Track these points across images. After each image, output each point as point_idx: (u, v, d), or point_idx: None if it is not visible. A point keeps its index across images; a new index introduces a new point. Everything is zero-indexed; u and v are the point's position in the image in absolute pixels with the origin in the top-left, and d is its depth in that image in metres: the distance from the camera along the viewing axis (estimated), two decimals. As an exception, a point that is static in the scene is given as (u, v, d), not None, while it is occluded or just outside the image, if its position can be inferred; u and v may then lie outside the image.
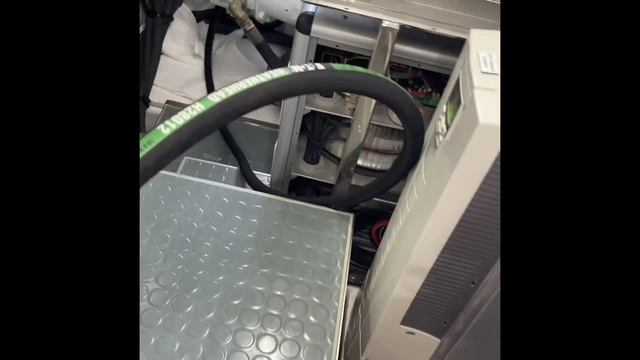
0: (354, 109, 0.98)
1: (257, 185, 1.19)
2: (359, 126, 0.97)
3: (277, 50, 1.77)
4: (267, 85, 0.52)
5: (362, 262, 1.21)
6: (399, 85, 0.64)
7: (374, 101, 0.94)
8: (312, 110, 1.02)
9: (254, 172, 1.30)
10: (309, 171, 1.15)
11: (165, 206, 0.96)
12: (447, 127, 0.66)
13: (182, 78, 1.80)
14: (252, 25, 1.44)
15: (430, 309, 0.79)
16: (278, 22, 1.88)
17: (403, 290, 0.77)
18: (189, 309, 0.82)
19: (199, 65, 1.84)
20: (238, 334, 0.80)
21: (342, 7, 0.85)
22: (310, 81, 0.55)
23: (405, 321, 0.82)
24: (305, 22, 0.90)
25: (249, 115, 1.76)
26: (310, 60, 0.95)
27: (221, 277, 0.87)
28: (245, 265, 0.89)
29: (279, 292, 0.87)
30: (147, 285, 0.84)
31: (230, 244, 0.92)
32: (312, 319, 0.84)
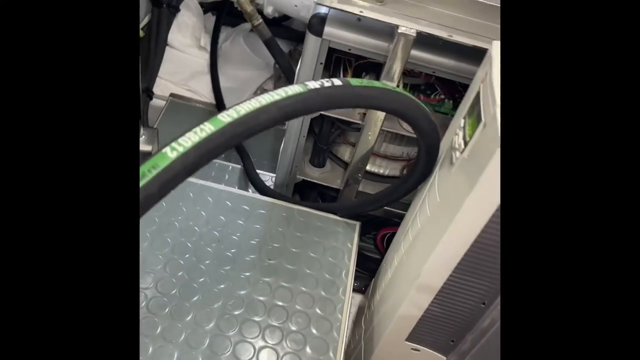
0: (364, 114, 0.95)
1: (260, 187, 1.16)
2: (370, 132, 0.94)
3: (284, 45, 1.73)
4: (280, 103, 0.49)
5: (366, 269, 1.19)
6: (416, 100, 0.62)
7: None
8: (320, 114, 0.99)
9: (258, 171, 1.27)
10: (314, 175, 1.12)
11: (166, 208, 0.93)
12: (465, 143, 0.63)
13: (187, 71, 1.76)
14: (260, 20, 1.41)
15: (438, 327, 0.76)
16: (286, 17, 1.84)
17: (411, 307, 0.74)
18: (189, 318, 0.80)
19: (204, 58, 1.81)
20: (238, 345, 0.78)
21: (356, 11, 0.81)
22: (327, 98, 0.52)
23: (411, 338, 0.79)
24: (317, 23, 0.87)
25: (254, 112, 1.73)
26: (321, 63, 0.92)
27: (222, 285, 0.84)
28: (248, 274, 0.87)
29: (281, 303, 0.84)
30: (146, 292, 0.81)
31: (233, 250, 0.90)
32: (314, 331, 0.82)
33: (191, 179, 1.01)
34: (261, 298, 0.84)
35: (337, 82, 0.53)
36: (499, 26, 0.84)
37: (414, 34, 0.80)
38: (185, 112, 1.68)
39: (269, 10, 1.52)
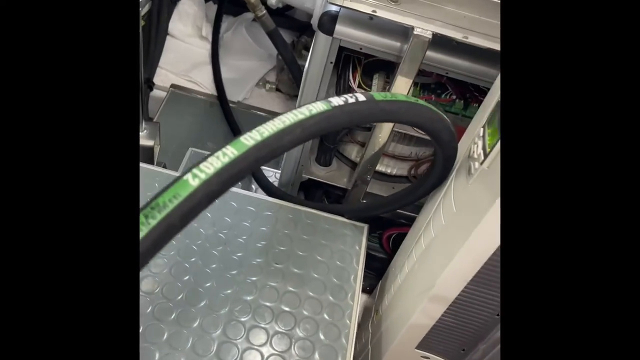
0: (374, 114, 0.93)
1: (265, 186, 1.14)
2: (380, 133, 0.92)
3: (286, 36, 1.70)
4: (305, 123, 0.47)
5: (371, 268, 1.18)
6: (438, 111, 0.59)
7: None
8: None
9: (262, 167, 1.25)
10: (320, 174, 1.10)
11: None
12: (485, 154, 0.61)
13: (188, 61, 1.73)
14: (264, 11, 1.37)
15: (449, 337, 0.75)
16: (288, 6, 1.81)
17: (422, 317, 0.73)
18: (195, 324, 0.78)
19: (205, 48, 1.78)
20: (246, 353, 0.77)
21: (369, 10, 0.79)
22: (351, 114, 0.50)
23: (421, 346, 0.78)
24: (328, 21, 0.84)
25: (256, 104, 1.71)
26: (331, 62, 0.90)
27: (229, 291, 0.83)
28: (254, 278, 0.85)
29: (288, 309, 0.83)
30: (152, 297, 0.79)
31: (239, 253, 0.88)
32: (323, 338, 0.80)
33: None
34: (268, 304, 0.83)
35: (361, 97, 0.51)
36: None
37: (430, 36, 0.77)
38: (187, 104, 1.65)
39: (272, 1, 1.49)
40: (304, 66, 1.54)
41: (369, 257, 1.21)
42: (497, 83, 0.66)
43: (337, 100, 0.49)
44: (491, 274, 0.64)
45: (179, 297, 0.81)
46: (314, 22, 1.12)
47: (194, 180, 0.42)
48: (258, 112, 1.67)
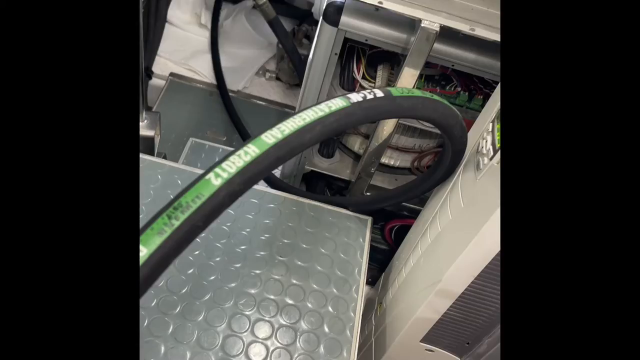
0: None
1: (267, 178, 1.13)
2: (385, 126, 0.91)
3: (287, 24, 1.68)
4: (325, 120, 0.46)
5: (373, 260, 1.17)
6: (452, 107, 0.59)
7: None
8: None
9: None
10: (323, 165, 1.10)
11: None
12: (494, 150, 0.61)
13: (187, 49, 1.71)
14: (265, 0, 1.36)
15: (455, 331, 0.75)
16: (289, -6, 1.79)
17: (428, 311, 0.73)
18: (200, 317, 0.78)
19: (204, 36, 1.75)
20: (251, 346, 0.77)
21: (375, 2, 0.78)
22: (369, 110, 0.49)
23: (426, 339, 0.79)
24: (333, 12, 0.83)
25: (256, 93, 1.70)
26: (336, 53, 0.89)
27: (233, 284, 0.83)
28: (259, 271, 0.85)
29: (293, 302, 0.83)
30: (156, 290, 0.79)
31: (243, 246, 0.88)
32: (327, 331, 0.80)
33: (196, 170, 0.98)
34: (273, 297, 0.82)
35: (379, 93, 0.50)
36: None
37: (437, 28, 0.76)
38: (186, 93, 1.63)
39: (274, -11, 1.46)
40: (304, 55, 1.52)
41: (371, 249, 1.21)
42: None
43: (355, 97, 0.49)
44: (499, 269, 0.63)
45: (184, 291, 0.80)
46: (315, 10, 1.11)
47: (216, 179, 0.41)
48: (258, 102, 1.66)
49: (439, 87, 0.97)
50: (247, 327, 0.79)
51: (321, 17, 0.85)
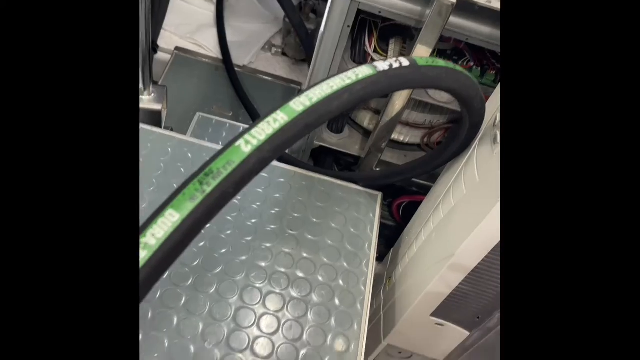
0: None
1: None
2: (397, 101, 0.90)
3: (293, -2, 1.65)
4: (352, 87, 0.45)
5: (380, 236, 1.17)
6: (473, 78, 0.58)
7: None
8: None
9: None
10: (332, 140, 1.09)
11: (185, 174, 0.90)
12: (513, 123, 0.60)
13: (192, 23, 1.69)
14: (273, -27, 1.33)
15: (466, 305, 0.76)
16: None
17: (440, 285, 0.73)
18: (212, 290, 0.78)
19: (210, 10, 1.73)
20: (263, 318, 0.77)
21: (392, -28, 0.76)
22: (395, 80, 0.49)
23: (437, 313, 0.79)
24: (347, -17, 0.82)
25: (262, 68, 1.68)
26: (348, 26, 0.87)
27: (244, 257, 0.83)
28: (269, 245, 0.85)
29: (303, 275, 0.83)
30: (168, 262, 0.79)
31: (253, 220, 0.88)
32: (338, 304, 0.81)
33: (210, 145, 0.98)
34: (284, 270, 0.83)
35: (405, 62, 0.49)
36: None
37: (454, 0, 0.75)
38: (191, 67, 1.62)
39: (281, -39, 1.44)
40: (311, 29, 1.50)
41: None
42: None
43: (382, 65, 0.48)
44: (513, 244, 0.63)
45: (195, 263, 0.81)
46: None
47: (246, 146, 0.41)
48: (264, 77, 1.64)
49: (452, 61, 0.96)
50: (259, 299, 0.79)
51: (334, -12, 0.84)
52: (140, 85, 1.15)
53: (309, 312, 0.79)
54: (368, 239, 0.90)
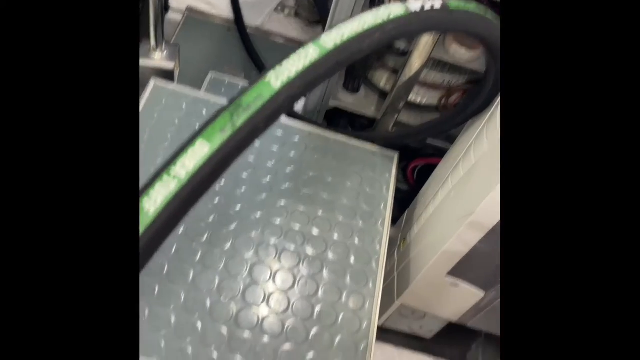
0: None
1: (290, 113, 1.11)
2: (417, 59, 0.88)
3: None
4: (384, 27, 0.43)
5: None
6: (503, 27, 0.56)
7: (436, 34, 0.85)
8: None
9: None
10: (348, 101, 1.07)
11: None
12: (541, 76, 0.58)
13: (203, -18, 1.65)
14: None
15: (483, 264, 0.75)
16: None
17: (457, 244, 0.73)
18: (228, 246, 0.78)
19: (222, -31, 1.68)
20: (278, 274, 0.77)
21: None
22: (426, 22, 0.47)
23: (453, 273, 0.79)
24: None
25: (274, 30, 1.64)
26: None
27: (259, 214, 0.82)
28: (284, 202, 0.84)
29: (318, 233, 0.82)
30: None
31: (268, 178, 0.87)
32: (353, 263, 0.81)
33: (222, 100, 0.96)
34: (299, 228, 0.82)
35: (436, 4, 0.47)
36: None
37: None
38: (203, 28, 1.59)
39: None
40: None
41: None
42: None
43: (414, 6, 0.46)
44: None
45: (211, 219, 0.80)
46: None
47: (276, 81, 0.40)
48: (276, 39, 1.61)
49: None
50: (274, 255, 0.79)
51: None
52: (153, 43, 1.13)
53: (324, 270, 0.79)
54: (384, 198, 0.89)
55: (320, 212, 0.85)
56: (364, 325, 0.75)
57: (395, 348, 1.07)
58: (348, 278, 0.79)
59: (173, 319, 0.71)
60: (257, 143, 0.91)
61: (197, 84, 1.42)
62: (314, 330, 0.74)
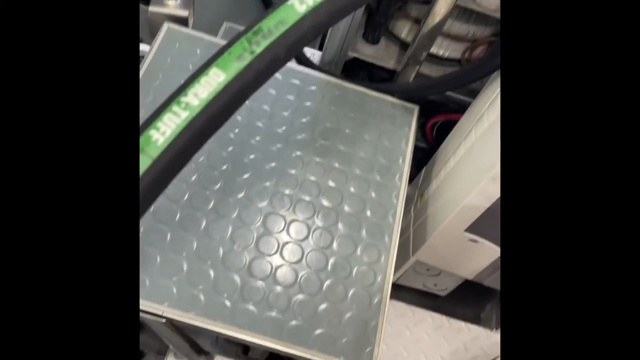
0: (435, -17, 0.84)
1: (307, 65, 1.07)
2: (443, 7, 0.83)
3: None
4: None
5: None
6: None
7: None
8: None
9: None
10: (368, 52, 1.03)
11: (213, 78, 0.86)
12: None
13: None
14: None
15: (503, 220, 0.73)
16: None
17: (479, 198, 0.70)
18: (241, 195, 0.76)
19: None
20: (292, 225, 0.76)
21: None
22: None
23: (472, 229, 0.76)
24: None
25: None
26: None
27: (273, 164, 0.80)
28: (299, 153, 0.82)
29: (334, 185, 0.80)
30: (196, 164, 0.77)
31: (283, 127, 0.84)
32: (369, 216, 0.79)
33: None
34: (314, 179, 0.80)
35: None
36: None
37: None
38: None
39: None
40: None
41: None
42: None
43: None
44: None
45: (224, 167, 0.78)
46: None
47: (301, 5, 0.36)
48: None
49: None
50: (289, 206, 0.77)
51: None
52: (166, -11, 1.09)
53: (339, 222, 0.77)
54: (402, 152, 0.86)
55: (336, 164, 0.82)
56: (379, 279, 0.74)
57: (408, 306, 1.06)
58: (364, 231, 0.77)
59: (185, 266, 0.70)
60: (273, 90, 0.88)
61: (211, 35, 1.38)
62: (327, 282, 0.72)
